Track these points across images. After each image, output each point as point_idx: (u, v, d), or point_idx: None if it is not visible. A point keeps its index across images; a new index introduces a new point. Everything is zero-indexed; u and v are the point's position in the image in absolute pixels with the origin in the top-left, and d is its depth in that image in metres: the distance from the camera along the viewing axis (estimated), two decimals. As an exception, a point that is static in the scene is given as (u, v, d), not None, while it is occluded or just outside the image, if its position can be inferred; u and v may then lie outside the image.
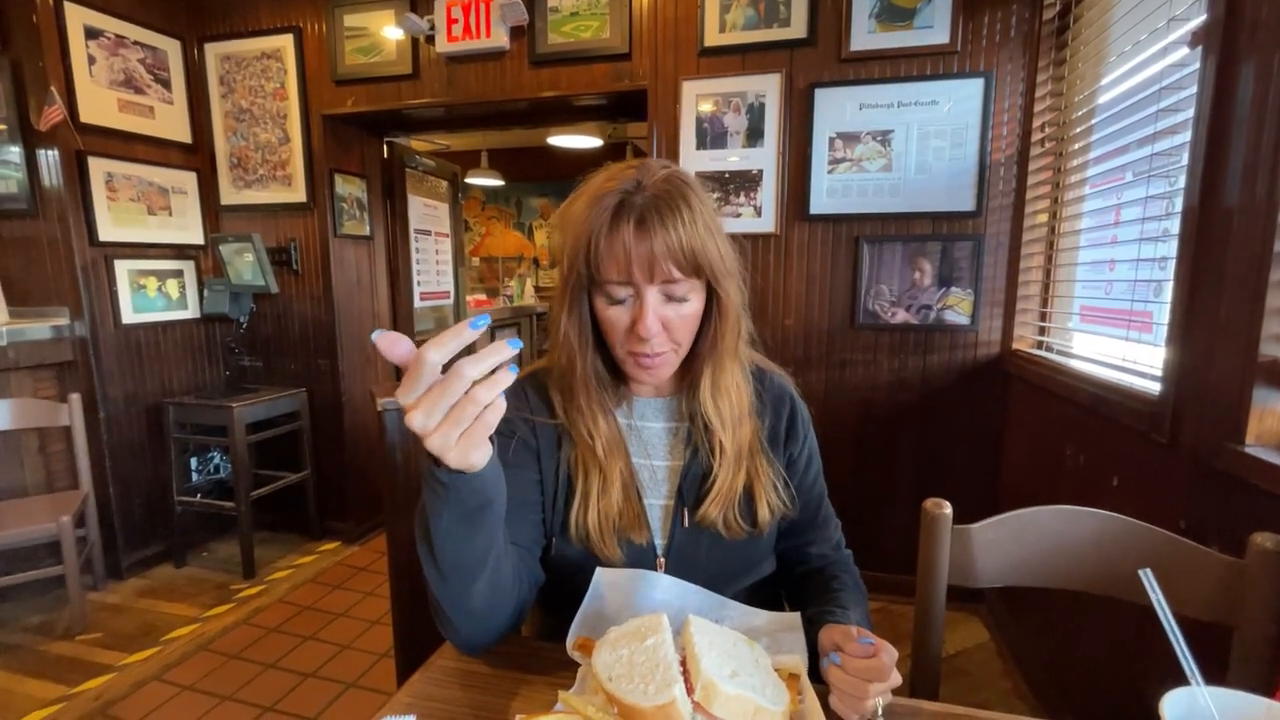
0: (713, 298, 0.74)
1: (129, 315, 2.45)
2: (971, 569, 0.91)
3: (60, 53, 2.20)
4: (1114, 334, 1.51)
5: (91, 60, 2.29)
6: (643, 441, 0.80)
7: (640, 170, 0.70)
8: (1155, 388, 1.23)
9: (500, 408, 0.50)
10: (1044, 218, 1.93)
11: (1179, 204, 1.20)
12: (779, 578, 0.87)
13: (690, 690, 0.50)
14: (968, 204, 2.02)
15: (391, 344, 0.47)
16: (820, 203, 2.13)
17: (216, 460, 2.77)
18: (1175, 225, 1.22)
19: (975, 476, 2.13)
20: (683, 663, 0.52)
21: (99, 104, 2.32)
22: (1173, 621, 0.37)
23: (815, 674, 0.60)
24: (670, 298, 0.70)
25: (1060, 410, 1.65)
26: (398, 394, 0.48)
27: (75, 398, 2.19)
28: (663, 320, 0.70)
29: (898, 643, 0.58)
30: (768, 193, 2.17)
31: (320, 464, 2.80)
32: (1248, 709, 0.36)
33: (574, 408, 0.76)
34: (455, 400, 0.48)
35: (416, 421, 0.48)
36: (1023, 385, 1.94)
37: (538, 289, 5.83)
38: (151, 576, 2.49)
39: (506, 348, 0.48)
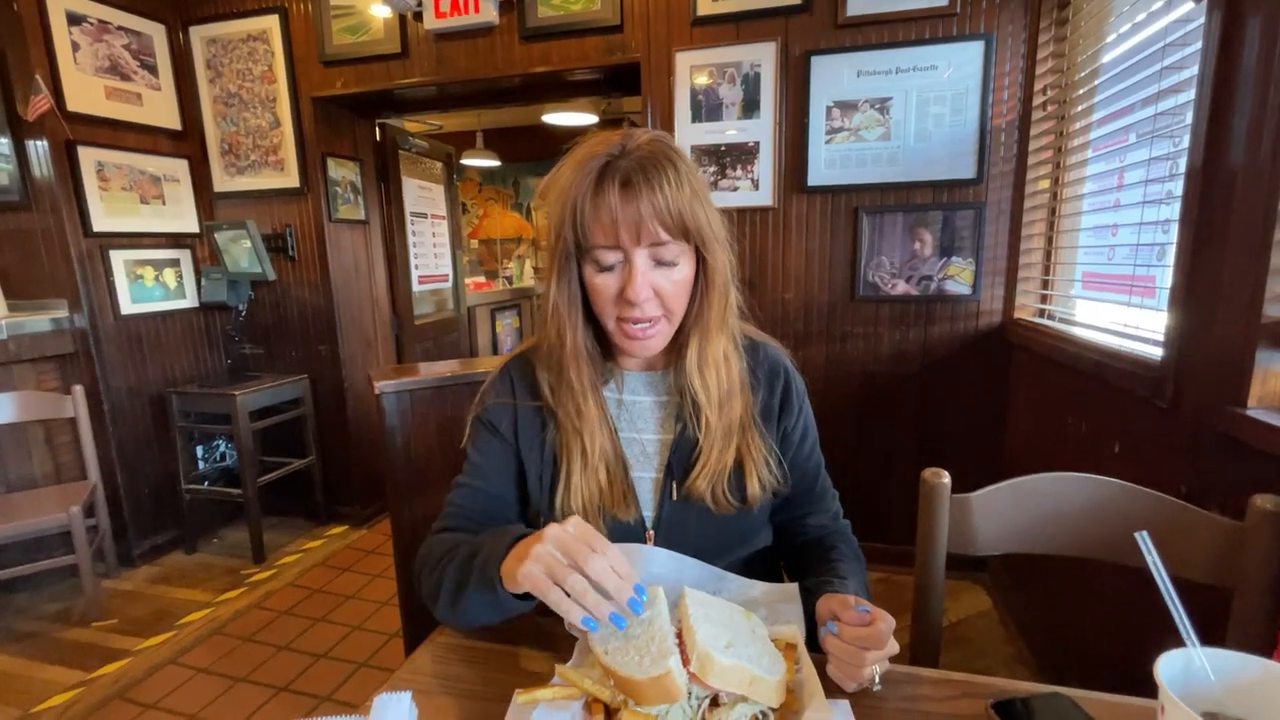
0: (701, 266, 0.73)
1: (128, 306, 2.44)
2: (971, 537, 0.91)
3: (43, 40, 2.17)
4: (1116, 300, 1.49)
5: (75, 47, 2.26)
6: (632, 416, 0.80)
7: (625, 136, 0.69)
8: (1157, 353, 1.22)
9: (574, 617, 0.53)
10: (1046, 184, 1.90)
11: (1183, 165, 1.18)
12: (777, 549, 0.88)
13: (686, 662, 0.50)
14: (968, 171, 1.99)
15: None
16: (818, 174, 2.10)
17: (222, 448, 2.79)
18: (1179, 187, 1.20)
19: (978, 446, 2.13)
20: (679, 635, 0.53)
21: (85, 92, 2.29)
22: (1168, 583, 0.37)
23: (814, 644, 0.61)
24: (659, 262, 0.69)
25: (1062, 378, 1.64)
26: (570, 544, 0.54)
27: (78, 389, 2.20)
28: (653, 286, 0.69)
29: (900, 612, 0.58)
30: (764, 165, 2.14)
31: (325, 449, 2.82)
32: (1244, 669, 0.35)
33: (563, 384, 0.75)
34: (566, 576, 0.53)
35: (541, 558, 0.54)
36: (1024, 354, 1.93)
37: (536, 270, 5.80)
38: (163, 563, 2.53)
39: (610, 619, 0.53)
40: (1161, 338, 1.20)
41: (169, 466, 2.58)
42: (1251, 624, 0.76)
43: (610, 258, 0.68)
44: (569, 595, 0.52)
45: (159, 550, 2.57)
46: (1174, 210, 1.23)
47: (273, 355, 2.81)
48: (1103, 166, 1.61)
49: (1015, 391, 2.03)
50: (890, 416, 2.20)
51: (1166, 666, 0.35)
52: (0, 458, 2.24)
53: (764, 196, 2.15)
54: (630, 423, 0.80)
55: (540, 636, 0.66)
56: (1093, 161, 1.66)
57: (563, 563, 0.53)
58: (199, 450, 2.72)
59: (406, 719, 0.45)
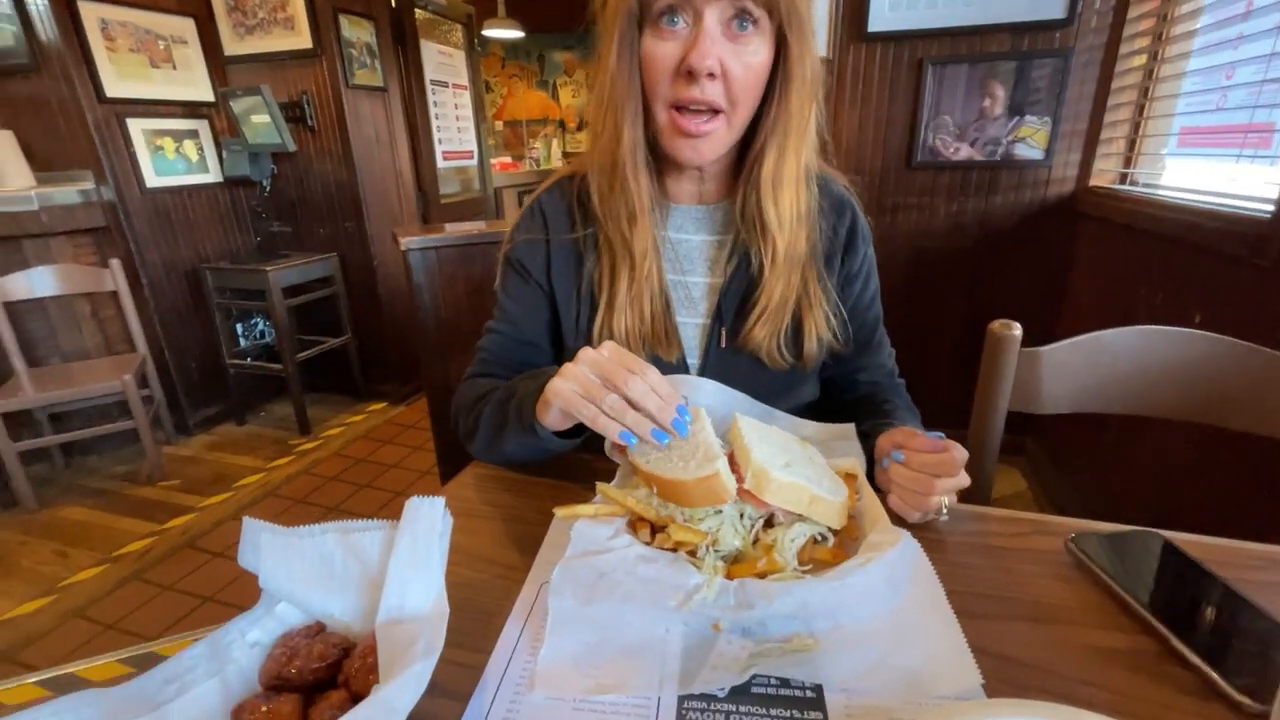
0: (782, 58, 0.61)
1: (152, 179, 2.39)
2: (1035, 394, 0.85)
3: (22, -126, 1.97)
4: (1223, 154, 1.32)
5: (57, -118, 2.05)
6: (678, 256, 0.73)
7: None
8: (1266, 208, 1.09)
9: (612, 432, 0.49)
10: (1149, 23, 1.63)
11: (1340, -27, 0.97)
12: (824, 405, 0.83)
13: (740, 480, 0.46)
14: (1057, 10, 1.73)
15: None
16: (881, 17, 1.85)
17: (260, 326, 2.83)
18: (1330, 2, 1.00)
19: (1031, 329, 2.01)
20: (730, 456, 0.48)
21: (76, -63, 2.11)
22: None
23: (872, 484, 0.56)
24: (735, 35, 0.58)
25: (1140, 248, 1.50)
26: (607, 366, 0.50)
27: (116, 263, 2.22)
28: (722, 64, 0.58)
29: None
30: (820, 6, 1.88)
31: (360, 328, 2.85)
32: None
33: (617, 190, 0.67)
34: (603, 396, 0.49)
35: (575, 376, 0.50)
36: (1096, 225, 1.76)
37: (565, 154, 5.54)
38: (217, 433, 2.65)
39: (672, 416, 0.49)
40: (1274, 194, 1.06)
41: (211, 342, 2.64)
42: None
43: (677, 17, 0.57)
44: (606, 414, 0.48)
45: (211, 421, 2.69)
46: (1318, 34, 1.04)
47: (300, 233, 2.77)
48: (1228, -9, 1.36)
49: (1080, 267, 1.87)
50: (937, 298, 2.08)
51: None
52: (52, 330, 2.31)
53: (818, 46, 1.92)
54: (675, 263, 0.73)
55: (582, 470, 0.63)
56: (1216, -14, 1.41)
57: (598, 383, 0.49)
58: (238, 328, 2.77)
59: (440, 525, 0.42)
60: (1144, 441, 1.42)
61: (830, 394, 0.82)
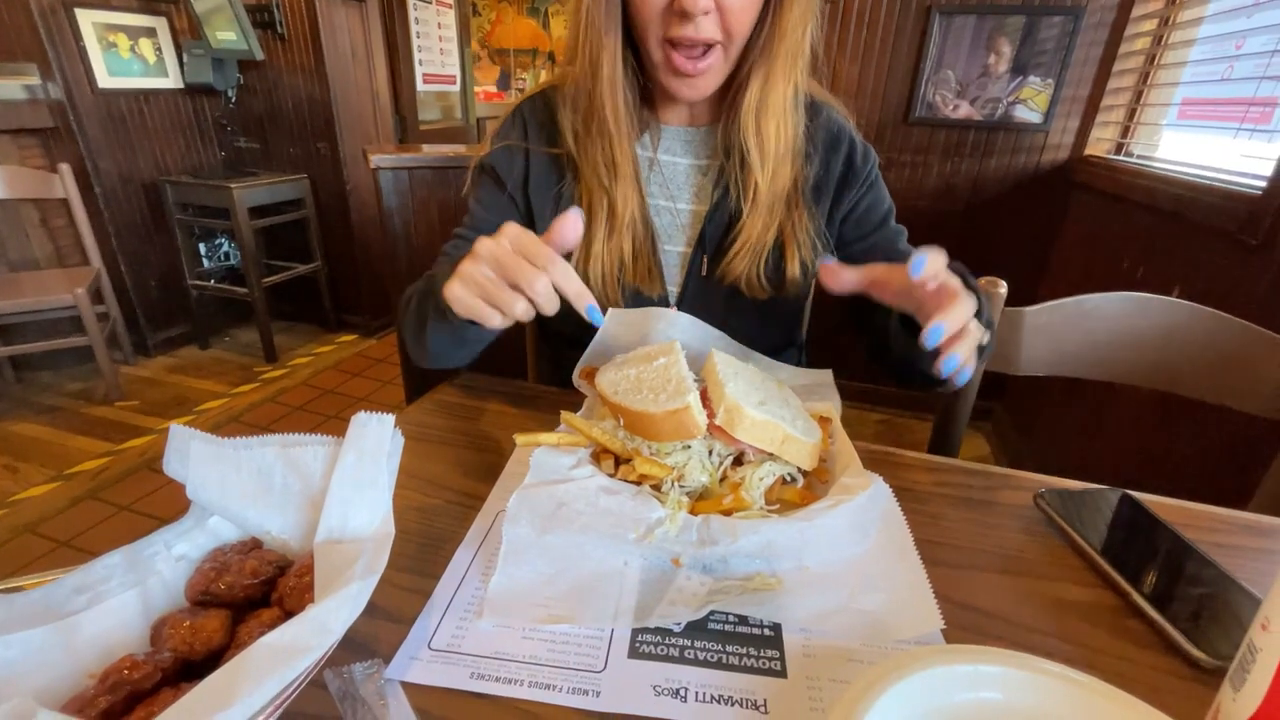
0: None
1: (105, 79, 2.22)
2: (1014, 355, 0.84)
3: None
4: (1222, 128, 1.30)
5: None
6: (665, 180, 0.69)
7: None
8: (1259, 184, 1.08)
9: (517, 315, 0.45)
10: (1166, -15, 1.58)
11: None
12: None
13: (711, 415, 0.44)
14: (1075, -36, 1.66)
15: (572, 225, 0.45)
16: (893, -42, 1.76)
17: (225, 246, 2.71)
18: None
19: (1013, 297, 2.01)
20: (704, 393, 0.46)
21: None
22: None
23: (848, 425, 0.55)
24: None
25: (1128, 220, 1.48)
26: (508, 262, 0.43)
27: (65, 167, 2.07)
28: None
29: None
30: (831, -59, 1.79)
31: (331, 257, 2.74)
32: None
33: (593, 128, 0.62)
34: (512, 303, 0.43)
35: (473, 279, 0.44)
36: (1087, 195, 1.74)
37: (554, 88, 5.30)
38: (178, 356, 2.57)
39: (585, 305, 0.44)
40: (1268, 171, 1.05)
41: (173, 261, 2.52)
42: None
43: None
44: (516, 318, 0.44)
45: (173, 343, 2.60)
46: (1336, 3, 1.00)
47: (269, 152, 2.63)
48: (1251, -46, 1.31)
49: (1066, 237, 1.87)
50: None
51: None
52: (-3, 236, 2.17)
53: (823, -15, 1.82)
54: (663, 187, 0.69)
55: (547, 403, 0.61)
56: (1238, -52, 1.36)
57: (499, 283, 0.43)
58: (202, 247, 2.65)
59: (389, 444, 0.40)
60: (1111, 413, 1.44)
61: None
